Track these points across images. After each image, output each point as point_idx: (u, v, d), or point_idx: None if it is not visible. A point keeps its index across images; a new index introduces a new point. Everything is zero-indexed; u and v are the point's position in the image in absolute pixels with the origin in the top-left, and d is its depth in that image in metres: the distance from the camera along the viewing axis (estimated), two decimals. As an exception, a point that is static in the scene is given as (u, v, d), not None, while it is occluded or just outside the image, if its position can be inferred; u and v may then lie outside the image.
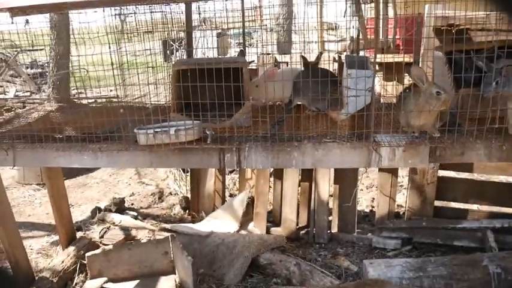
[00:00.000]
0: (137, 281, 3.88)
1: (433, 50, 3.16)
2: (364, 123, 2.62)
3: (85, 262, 3.91)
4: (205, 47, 4.11)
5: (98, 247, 4.21)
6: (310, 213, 4.58)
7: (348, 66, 2.85)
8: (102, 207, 5.31)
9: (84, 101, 4.03)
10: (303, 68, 3.28)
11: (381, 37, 6.52)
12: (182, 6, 3.79)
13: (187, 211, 5.25)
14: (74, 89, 9.34)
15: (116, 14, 3.13)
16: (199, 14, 3.93)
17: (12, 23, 2.90)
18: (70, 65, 2.90)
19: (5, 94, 10.51)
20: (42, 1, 2.90)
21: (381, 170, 4.42)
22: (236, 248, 4.03)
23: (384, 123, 2.70)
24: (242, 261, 3.89)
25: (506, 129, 2.54)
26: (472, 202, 4.39)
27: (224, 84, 2.67)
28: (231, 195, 5.41)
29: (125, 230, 4.74)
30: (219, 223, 4.60)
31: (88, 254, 3.88)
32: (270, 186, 4.76)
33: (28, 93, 10.79)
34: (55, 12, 4.43)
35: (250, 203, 4.71)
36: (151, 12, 3.31)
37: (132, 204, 5.65)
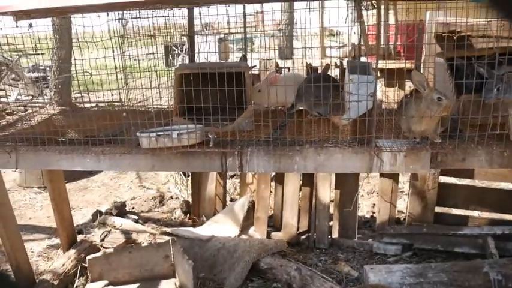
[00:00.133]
0: (138, 285, 3.88)
1: (435, 56, 3.18)
2: (366, 128, 2.63)
3: (86, 265, 3.91)
4: (206, 52, 4.13)
5: (98, 250, 4.21)
6: (311, 218, 4.59)
7: (350, 72, 2.86)
8: (103, 210, 5.32)
9: (87, 105, 4.04)
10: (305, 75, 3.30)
11: (382, 43, 6.54)
12: (184, 11, 3.81)
13: (188, 215, 5.26)
14: (75, 93, 9.37)
15: (119, 19, 3.15)
16: (201, 18, 3.95)
17: (17, 26, 2.92)
18: (74, 68, 2.90)
19: (7, 98, 10.53)
20: (46, 5, 2.92)
21: (381, 175, 4.43)
22: (237, 252, 4.03)
23: (386, 129, 2.72)
24: (243, 265, 3.90)
25: (508, 135, 2.55)
26: (473, 208, 4.40)
27: (227, 89, 2.68)
28: (231, 200, 5.42)
29: (126, 233, 4.75)
30: (220, 227, 4.61)
31: (89, 257, 3.89)
32: (270, 191, 4.77)
33: (29, 97, 10.82)
34: (59, 16, 4.45)
35: (251, 208, 4.71)
36: (154, 17, 3.33)
37: (133, 208, 5.66)
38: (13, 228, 3.74)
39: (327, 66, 3.43)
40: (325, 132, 2.81)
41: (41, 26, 3.24)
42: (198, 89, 2.76)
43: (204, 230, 4.58)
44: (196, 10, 3.95)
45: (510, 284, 3.40)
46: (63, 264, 4.00)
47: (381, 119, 2.79)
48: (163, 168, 2.94)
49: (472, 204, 4.35)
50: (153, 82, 3.24)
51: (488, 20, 2.84)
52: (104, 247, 4.45)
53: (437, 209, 4.35)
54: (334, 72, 4.63)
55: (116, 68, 2.79)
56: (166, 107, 3.42)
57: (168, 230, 4.72)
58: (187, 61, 4.07)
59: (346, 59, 5.06)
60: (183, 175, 6.00)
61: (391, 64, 5.24)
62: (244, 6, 3.87)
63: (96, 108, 3.96)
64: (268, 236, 4.60)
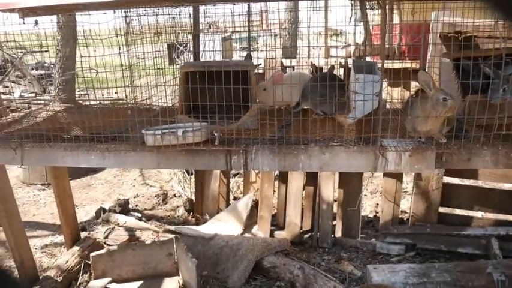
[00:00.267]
0: (141, 282, 3.89)
1: (440, 56, 3.18)
2: (371, 127, 2.63)
3: (89, 262, 3.93)
4: (211, 50, 4.13)
5: (102, 247, 4.22)
6: (314, 217, 4.59)
7: (356, 71, 2.86)
8: (107, 208, 5.34)
9: (92, 103, 4.04)
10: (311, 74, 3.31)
11: (386, 43, 6.53)
12: (189, 9, 3.82)
13: (191, 213, 5.27)
14: (79, 91, 9.39)
15: (125, 16, 3.15)
16: (207, 16, 3.95)
17: (24, 23, 2.92)
18: (80, 66, 2.91)
19: (10, 95, 10.56)
20: (53, 2, 2.92)
21: (385, 175, 4.43)
22: (240, 251, 4.03)
23: (391, 128, 2.71)
24: (246, 264, 3.90)
25: (513, 136, 2.54)
26: (476, 209, 4.39)
27: (232, 87, 2.68)
28: (235, 199, 5.43)
29: (129, 231, 4.76)
30: (223, 225, 4.61)
31: (92, 254, 3.90)
32: (274, 190, 4.77)
33: (33, 94, 10.84)
34: (65, 13, 4.46)
35: (255, 206, 4.72)
36: (160, 14, 3.34)
37: (136, 205, 5.67)
38: (18, 225, 3.75)
39: (332, 67, 3.43)
40: (330, 131, 2.80)
41: (45, 23, 3.25)
42: (203, 87, 2.76)
43: (207, 228, 4.59)
44: (200, 8, 3.96)
45: (514, 285, 3.40)
46: (67, 261, 4.01)
47: (386, 118, 2.79)
48: (168, 166, 2.95)
49: (475, 204, 4.35)
50: (158, 80, 3.25)
51: (495, 20, 2.83)
52: (107, 244, 4.46)
53: (441, 209, 4.34)
54: (338, 72, 4.64)
55: (122, 65, 2.79)
56: (171, 104, 3.42)
57: (172, 227, 4.73)
58: (191, 59, 4.06)
59: (350, 59, 5.06)
60: (186, 173, 6.01)
61: (396, 64, 5.23)
62: (249, 5, 3.87)
63: (101, 105, 3.97)
64: (272, 235, 4.61)
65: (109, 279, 3.85)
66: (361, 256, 4.33)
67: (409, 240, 4.30)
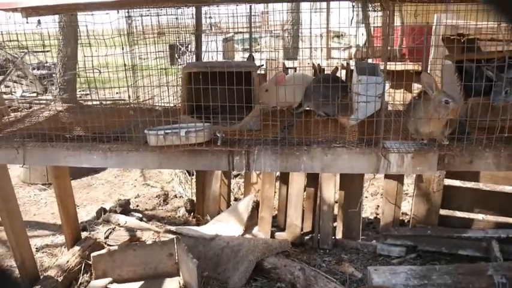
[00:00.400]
0: (141, 282, 3.89)
1: (442, 58, 3.18)
2: (374, 129, 2.64)
3: (90, 262, 3.92)
4: (212, 51, 4.14)
5: (102, 247, 4.22)
6: (315, 218, 4.59)
7: (359, 73, 2.87)
8: (108, 208, 5.34)
9: (94, 103, 4.05)
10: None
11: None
12: (192, 9, 3.82)
13: (192, 214, 5.26)
14: (81, 91, 9.40)
15: (127, 16, 3.16)
16: (209, 17, 3.96)
17: (28, 22, 2.93)
18: (83, 65, 2.91)
19: (12, 94, 10.57)
20: (56, 2, 2.93)
21: (386, 177, 4.43)
22: (241, 252, 4.04)
23: (393, 130, 2.72)
24: (247, 264, 3.90)
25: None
26: (477, 211, 4.39)
27: (235, 88, 2.69)
28: (236, 199, 5.43)
29: (130, 231, 4.76)
30: (224, 226, 4.61)
31: (93, 254, 3.90)
32: (275, 191, 4.77)
33: (34, 94, 10.85)
34: (67, 13, 4.47)
35: (255, 207, 4.72)
36: (163, 15, 3.34)
37: (137, 206, 5.67)
38: (19, 224, 3.75)
39: (336, 69, 3.44)
40: (332, 132, 2.81)
41: (46, 23, 3.25)
42: (206, 87, 2.77)
43: (208, 229, 4.59)
44: (203, 9, 3.96)
45: (515, 288, 3.40)
46: (68, 261, 4.01)
47: (389, 120, 2.79)
48: (171, 166, 2.95)
49: (476, 207, 4.35)
50: (161, 80, 3.25)
51: (497, 23, 2.84)
52: (108, 244, 4.46)
53: (442, 212, 4.34)
54: (340, 74, 4.64)
55: (124, 65, 2.80)
56: (173, 105, 3.42)
57: (172, 228, 4.73)
58: (192, 60, 4.07)
59: (351, 61, 5.07)
60: (187, 174, 6.01)
61: (398, 66, 5.24)
62: (250, 7, 3.87)
63: (103, 105, 3.97)
64: (272, 236, 4.61)
65: (110, 279, 3.85)
66: (361, 258, 4.34)
67: (410, 242, 4.30)
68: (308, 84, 3.24)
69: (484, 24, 3.00)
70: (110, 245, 4.37)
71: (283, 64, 4.93)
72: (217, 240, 4.27)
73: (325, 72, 4.29)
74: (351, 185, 4.48)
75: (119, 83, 3.17)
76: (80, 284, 3.95)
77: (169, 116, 2.81)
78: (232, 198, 5.35)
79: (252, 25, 3.98)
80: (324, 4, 4.17)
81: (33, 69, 11.77)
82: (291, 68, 5.11)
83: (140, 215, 5.26)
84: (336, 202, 4.65)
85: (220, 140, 2.72)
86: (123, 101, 4.76)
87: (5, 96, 7.27)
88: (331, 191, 4.50)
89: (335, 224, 4.59)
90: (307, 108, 3.36)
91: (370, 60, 5.36)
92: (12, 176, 3.87)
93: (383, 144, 2.62)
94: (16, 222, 3.71)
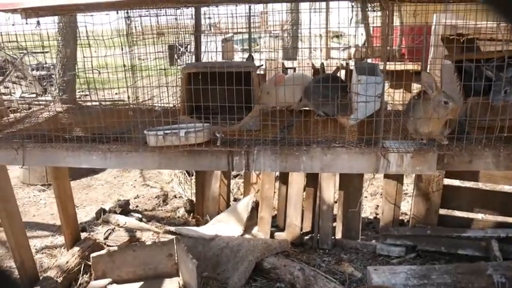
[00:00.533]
0: (141, 283, 3.89)
1: (442, 58, 3.19)
2: (373, 129, 2.64)
3: (89, 263, 3.92)
4: (211, 51, 4.14)
5: (102, 248, 4.22)
6: (315, 218, 4.59)
7: (358, 72, 2.87)
8: (107, 208, 5.33)
9: (94, 103, 4.04)
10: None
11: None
12: (191, 10, 3.82)
13: (191, 214, 5.26)
14: (80, 91, 9.39)
15: (127, 17, 3.16)
16: (209, 18, 3.96)
17: (27, 23, 2.92)
18: (82, 66, 2.91)
19: (11, 95, 10.56)
20: (55, 2, 2.93)
21: (386, 177, 4.43)
22: (240, 252, 4.04)
23: (392, 130, 2.72)
24: (246, 265, 3.90)
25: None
26: (476, 211, 4.39)
27: (235, 88, 2.69)
28: (235, 200, 5.43)
29: (130, 231, 4.75)
30: (224, 226, 4.61)
31: (93, 254, 3.89)
32: (274, 191, 4.77)
33: (33, 95, 10.84)
34: (67, 14, 4.47)
35: (255, 207, 4.72)
36: (163, 15, 3.34)
37: (137, 206, 5.67)
38: (18, 225, 3.75)
39: (337, 69, 3.44)
40: (332, 132, 2.81)
41: (45, 24, 3.25)
42: (205, 88, 2.77)
43: (208, 229, 4.59)
44: (202, 10, 3.96)
45: (514, 287, 3.40)
46: (67, 262, 4.01)
47: (388, 120, 2.79)
48: (170, 167, 2.95)
49: (476, 206, 4.35)
50: (161, 81, 3.25)
51: (497, 23, 2.84)
52: (107, 245, 4.46)
53: (441, 211, 4.35)
54: (340, 73, 4.64)
55: (124, 66, 2.80)
56: (172, 105, 3.42)
57: (172, 228, 4.73)
58: (192, 60, 4.07)
59: (351, 61, 5.07)
60: (186, 174, 6.01)
61: (397, 66, 5.24)
62: (250, 7, 3.87)
63: (102, 106, 3.97)
64: (272, 236, 4.61)
65: (109, 280, 3.85)
66: (361, 258, 4.34)
67: (410, 242, 4.31)
68: (307, 84, 3.24)
69: (483, 24, 3.00)
70: (110, 246, 4.37)
71: (283, 64, 4.93)
72: (216, 241, 4.27)
73: (325, 72, 4.29)
74: (351, 184, 4.48)
75: (118, 84, 3.17)
76: (80, 284, 3.95)
77: (169, 116, 2.80)
78: (231, 198, 5.35)
79: (251, 25, 3.98)
80: (323, 4, 4.16)
81: (33, 70, 11.75)
82: (290, 68, 5.11)
83: (140, 216, 5.26)
84: (336, 202, 4.65)
85: (220, 140, 2.72)
86: (122, 102, 4.76)
87: (4, 97, 7.26)
88: (330, 191, 4.50)
89: (334, 224, 4.59)
90: (306, 108, 3.37)
91: (369, 60, 5.37)
92: (11, 177, 3.87)
93: (382, 144, 2.62)
94: (15, 223, 3.70)
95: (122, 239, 4.58)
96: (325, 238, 4.52)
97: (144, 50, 3.23)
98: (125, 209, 5.32)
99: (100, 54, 2.88)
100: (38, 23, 3.33)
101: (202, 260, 4.01)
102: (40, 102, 8.43)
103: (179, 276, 3.92)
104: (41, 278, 3.87)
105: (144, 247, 4.02)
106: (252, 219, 4.68)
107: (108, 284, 3.82)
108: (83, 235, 4.57)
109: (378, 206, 5.30)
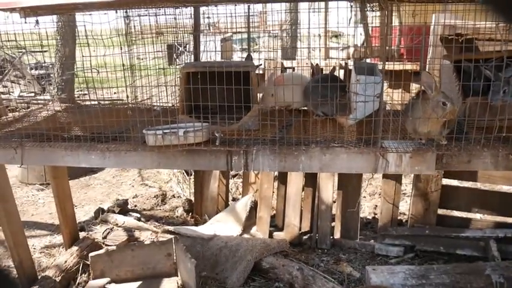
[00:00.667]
0: (140, 282, 3.89)
1: (440, 58, 3.19)
2: (372, 129, 2.64)
3: (88, 262, 3.92)
4: (210, 51, 4.14)
5: (100, 248, 4.22)
6: (313, 218, 4.59)
7: (357, 72, 2.87)
8: (106, 208, 5.33)
9: (93, 102, 4.04)
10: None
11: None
12: (190, 9, 3.82)
13: (190, 214, 5.26)
14: (79, 91, 9.38)
15: (126, 16, 3.16)
16: (208, 17, 3.96)
17: (26, 22, 2.92)
18: (81, 65, 2.90)
19: (10, 94, 10.55)
20: (54, 1, 2.92)
21: (384, 176, 4.44)
22: (239, 252, 4.04)
23: (391, 130, 2.72)
24: (245, 264, 3.90)
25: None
26: (475, 211, 4.40)
27: (234, 87, 2.69)
28: (234, 199, 5.43)
29: (128, 231, 4.75)
30: (222, 226, 4.61)
31: (91, 254, 3.89)
32: (273, 191, 4.77)
33: (32, 94, 10.83)
34: (65, 13, 4.46)
35: (254, 207, 4.72)
36: (162, 14, 3.34)
37: (135, 205, 5.67)
38: (17, 225, 3.75)
39: (334, 69, 3.44)
40: (331, 132, 2.81)
41: (44, 23, 3.24)
42: (204, 87, 2.76)
43: (206, 229, 4.59)
44: (201, 9, 3.96)
45: (512, 287, 3.41)
46: (66, 261, 4.00)
47: (387, 119, 2.80)
48: (169, 166, 2.95)
49: (474, 206, 4.36)
50: (159, 80, 3.25)
51: (495, 23, 2.84)
52: (106, 244, 4.46)
53: (440, 211, 4.35)
54: (338, 73, 4.64)
55: (123, 65, 2.80)
56: (171, 105, 3.42)
57: (170, 228, 4.73)
58: (190, 60, 4.07)
59: (350, 60, 5.07)
60: (185, 174, 6.01)
61: (396, 66, 5.25)
62: (249, 7, 3.87)
63: (101, 105, 3.97)
64: (271, 236, 4.61)
65: (108, 279, 3.85)
66: (359, 257, 4.34)
67: (408, 242, 4.31)
68: (306, 84, 3.24)
69: (482, 24, 3.00)
70: (108, 245, 4.37)
71: (282, 64, 4.93)
72: (215, 240, 4.27)
73: (323, 72, 4.29)
74: (349, 184, 4.48)
75: (117, 83, 3.17)
76: (78, 284, 3.94)
77: (168, 115, 2.80)
78: (230, 198, 5.35)
79: (250, 25, 3.98)
80: (322, 4, 4.17)
81: (31, 69, 11.74)
82: (289, 67, 5.11)
83: (138, 215, 5.25)
84: (334, 202, 4.65)
85: (219, 139, 2.72)
86: (121, 101, 4.76)
87: (2, 96, 7.25)
88: (329, 190, 4.50)
89: (333, 224, 4.60)
90: (305, 108, 3.37)
91: (368, 60, 5.38)
92: (10, 176, 3.87)
93: (381, 144, 2.62)
94: (14, 222, 3.70)
95: (120, 239, 4.58)
96: (324, 238, 4.52)
97: (143, 49, 3.23)
98: (123, 208, 5.32)
99: (99, 53, 2.88)
100: (37, 22, 3.33)
101: (200, 260, 4.01)
102: (39, 102, 8.43)
103: (178, 276, 3.92)
104: (39, 277, 3.86)
105: (142, 246, 4.02)
106: (250, 219, 4.68)
107: (107, 283, 3.82)
108: (82, 234, 4.56)
109: (376, 206, 5.31)
